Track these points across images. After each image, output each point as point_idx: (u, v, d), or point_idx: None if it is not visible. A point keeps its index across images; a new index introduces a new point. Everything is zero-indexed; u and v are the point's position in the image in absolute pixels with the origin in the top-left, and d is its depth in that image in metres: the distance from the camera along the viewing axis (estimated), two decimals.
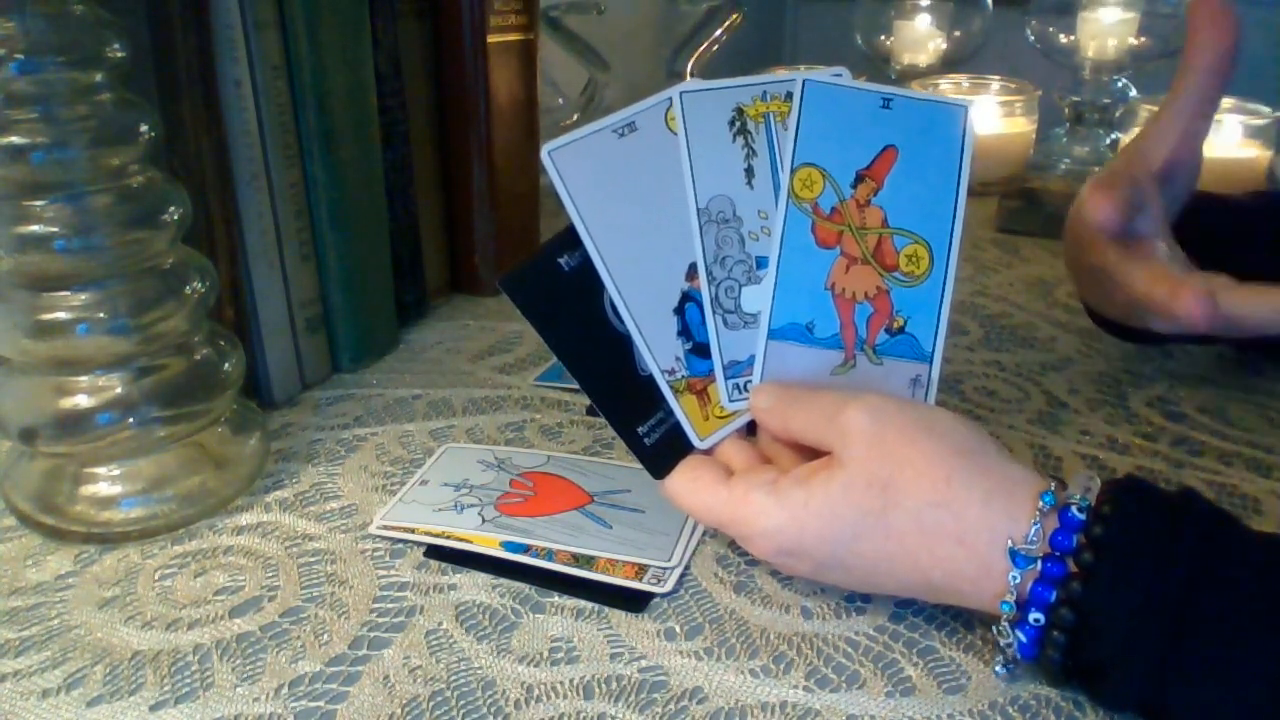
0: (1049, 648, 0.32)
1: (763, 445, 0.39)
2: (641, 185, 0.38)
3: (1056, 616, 0.31)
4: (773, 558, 0.36)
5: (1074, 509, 0.32)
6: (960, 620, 0.37)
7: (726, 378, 0.39)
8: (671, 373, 0.38)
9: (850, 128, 0.39)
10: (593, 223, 0.38)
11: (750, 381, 0.39)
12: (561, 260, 0.38)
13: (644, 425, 0.38)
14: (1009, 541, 0.32)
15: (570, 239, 0.38)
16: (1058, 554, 0.32)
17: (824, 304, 0.39)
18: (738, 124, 0.39)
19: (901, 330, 0.39)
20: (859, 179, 0.39)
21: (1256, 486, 0.46)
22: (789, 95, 0.39)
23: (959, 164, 0.39)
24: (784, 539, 0.35)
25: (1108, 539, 0.31)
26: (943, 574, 0.33)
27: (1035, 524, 0.32)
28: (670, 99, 0.39)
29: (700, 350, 0.39)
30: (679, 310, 0.39)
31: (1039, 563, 0.32)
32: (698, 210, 0.38)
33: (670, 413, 0.39)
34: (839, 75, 0.40)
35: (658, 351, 0.38)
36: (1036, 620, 0.32)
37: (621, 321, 0.38)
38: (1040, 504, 0.32)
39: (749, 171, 0.39)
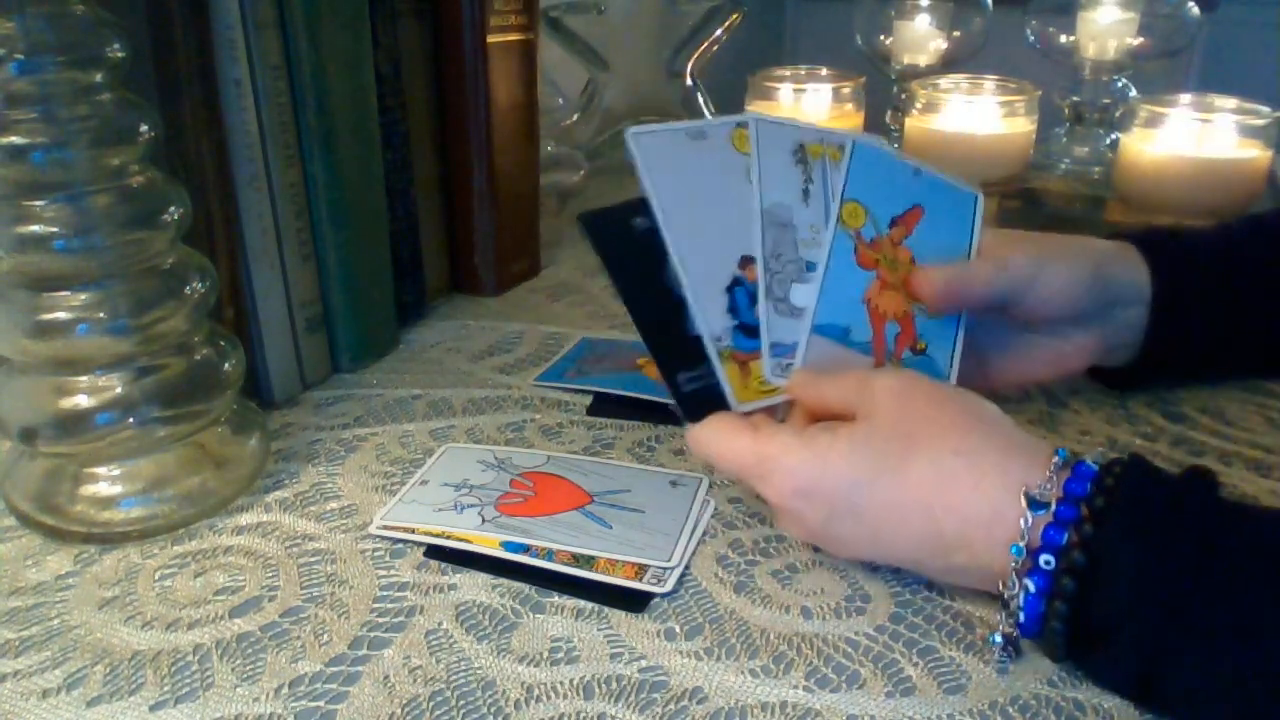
0: (1056, 599, 0.32)
1: (792, 422, 0.41)
2: (707, 181, 0.43)
3: (1067, 560, 0.32)
4: (789, 499, 0.37)
5: (1088, 461, 0.34)
6: (960, 620, 0.37)
7: (772, 355, 0.42)
8: (719, 340, 0.42)
9: (888, 183, 0.46)
10: (664, 199, 0.41)
11: (792, 364, 0.42)
12: (636, 221, 0.41)
13: (685, 374, 0.41)
14: (1024, 487, 0.33)
15: (645, 206, 0.41)
16: (1071, 499, 0.33)
17: (860, 315, 0.44)
18: (799, 155, 0.45)
19: (923, 352, 0.45)
20: (893, 223, 0.45)
21: (1256, 486, 0.46)
22: (841, 147, 0.45)
23: (970, 232, 0.47)
24: (804, 476, 0.36)
25: (1121, 487, 0.32)
26: (956, 521, 0.34)
27: (1050, 473, 0.33)
28: (742, 122, 0.44)
29: (745, 329, 0.42)
30: (729, 290, 0.42)
31: (1053, 505, 0.33)
32: (761, 211, 0.43)
33: (712, 374, 0.41)
34: (882, 142, 0.46)
35: (708, 319, 0.41)
36: (1047, 563, 0.32)
37: (680, 289, 0.41)
38: (1055, 458, 0.34)
39: (805, 192, 0.44)
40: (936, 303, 0.45)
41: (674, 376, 0.41)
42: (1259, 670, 0.29)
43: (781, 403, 0.42)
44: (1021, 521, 0.33)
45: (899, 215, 0.45)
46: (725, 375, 0.41)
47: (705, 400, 0.41)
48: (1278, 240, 0.52)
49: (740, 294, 0.42)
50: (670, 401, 0.41)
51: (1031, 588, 0.32)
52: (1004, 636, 0.34)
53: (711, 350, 0.41)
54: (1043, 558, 0.32)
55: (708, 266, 0.42)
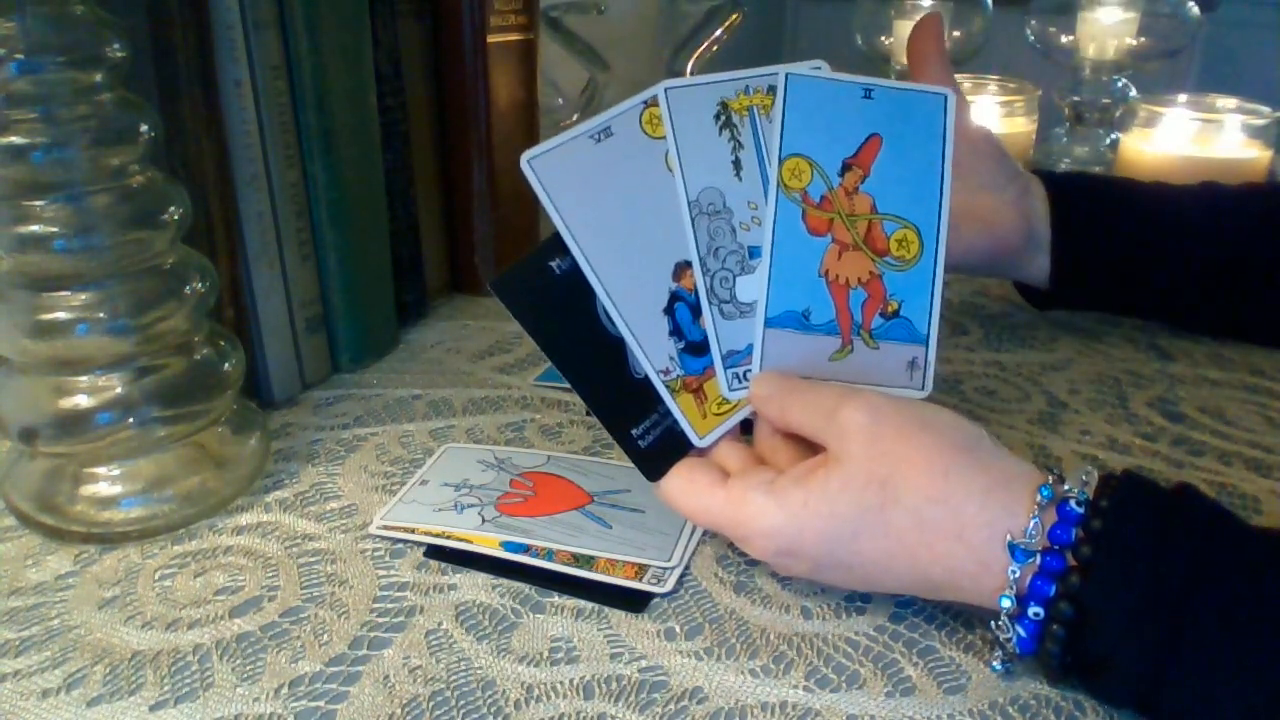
0: (1048, 642, 0.32)
1: (758, 444, 0.39)
2: (622, 188, 0.38)
3: (1055, 611, 0.31)
4: (771, 558, 0.36)
5: (1072, 503, 0.32)
6: (960, 620, 0.37)
7: (726, 367, 0.39)
8: (666, 373, 0.39)
9: (834, 118, 0.39)
10: (577, 228, 0.38)
11: (750, 370, 0.39)
12: (553, 264, 0.38)
13: (638, 427, 0.38)
14: (1008, 536, 0.32)
15: (562, 243, 0.38)
16: (1056, 548, 0.32)
17: (819, 291, 0.39)
18: (722, 118, 0.39)
19: (896, 314, 0.40)
20: (846, 167, 0.40)
21: (1256, 486, 0.46)
22: (771, 89, 0.40)
23: (942, 149, 0.40)
24: (783, 539, 0.35)
25: (1106, 533, 0.31)
26: (942, 571, 0.33)
27: (1034, 518, 0.32)
28: (643, 101, 0.39)
29: (693, 349, 0.39)
30: (669, 310, 0.39)
31: (1038, 557, 0.32)
32: (689, 203, 0.39)
33: (666, 414, 0.39)
34: (819, 68, 0.40)
35: (651, 353, 0.38)
36: (1036, 615, 0.32)
37: (614, 325, 0.38)
38: (1038, 498, 0.32)
39: (736, 164, 0.39)
40: None
41: (626, 435, 0.38)
42: (1253, 698, 0.29)
43: (741, 420, 0.40)
44: (1008, 573, 0.32)
45: (851, 156, 0.40)
46: (681, 412, 0.39)
47: (665, 448, 0.38)
48: (1184, 195, 0.59)
49: (681, 310, 0.39)
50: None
51: (1023, 633, 0.32)
52: (1002, 663, 0.34)
53: (661, 389, 0.38)
54: (1031, 609, 0.32)
55: (640, 294, 0.38)
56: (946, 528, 0.33)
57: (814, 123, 0.39)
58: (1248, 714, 0.29)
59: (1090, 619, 0.31)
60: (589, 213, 0.38)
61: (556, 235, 0.38)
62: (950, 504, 0.33)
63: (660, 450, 0.38)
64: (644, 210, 0.39)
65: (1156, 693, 0.30)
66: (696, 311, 0.39)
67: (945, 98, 0.40)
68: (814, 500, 0.34)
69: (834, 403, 0.36)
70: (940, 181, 0.40)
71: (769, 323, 0.39)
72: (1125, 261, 0.57)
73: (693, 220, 0.39)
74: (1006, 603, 0.32)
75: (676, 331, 0.39)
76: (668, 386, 0.39)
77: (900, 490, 0.33)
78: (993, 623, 0.33)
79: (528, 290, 0.38)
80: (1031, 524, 0.32)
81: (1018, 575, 0.32)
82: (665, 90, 0.39)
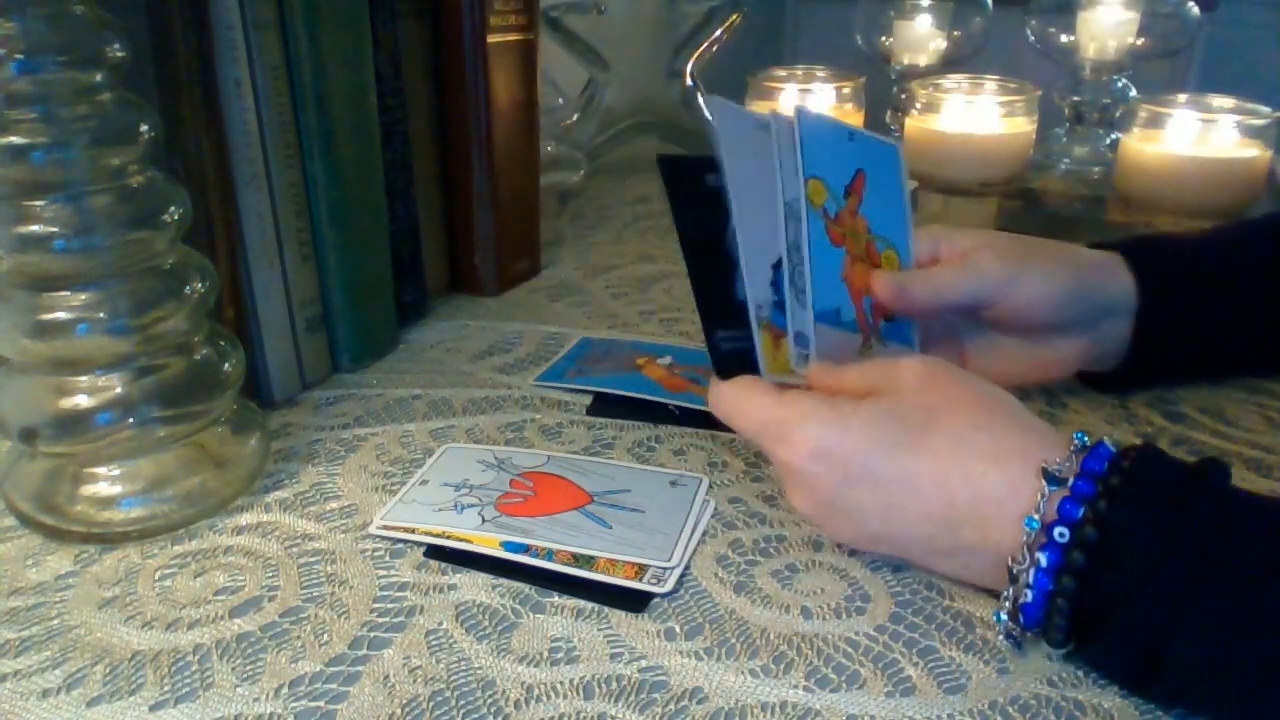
0: (1065, 575, 0.32)
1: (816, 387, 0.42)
2: (762, 164, 0.43)
3: (1080, 535, 0.32)
4: (805, 460, 0.37)
5: (1106, 443, 0.35)
6: (960, 620, 0.37)
7: (795, 345, 0.43)
8: (760, 309, 0.42)
9: (835, 153, 0.45)
10: (731, 165, 0.41)
11: (808, 355, 0.43)
12: (708, 177, 0.41)
13: (725, 332, 0.42)
14: (1043, 463, 0.34)
15: (717, 165, 0.41)
16: (1089, 475, 0.33)
17: (843, 294, 0.45)
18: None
19: (892, 319, 0.47)
20: (846, 193, 0.45)
21: (1256, 486, 0.46)
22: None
23: (900, 189, 0.48)
24: (825, 437, 0.36)
25: (1137, 469, 0.33)
26: (970, 494, 0.34)
27: (1070, 453, 0.34)
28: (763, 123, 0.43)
29: (782, 307, 0.43)
30: (775, 267, 0.42)
31: (1070, 481, 0.33)
32: (784, 204, 0.43)
33: (749, 339, 0.42)
34: (818, 113, 0.46)
35: (755, 287, 0.42)
36: (1061, 535, 0.32)
37: (737, 250, 0.41)
38: (1074, 441, 0.35)
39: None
40: (903, 309, 0.46)
41: (713, 331, 0.42)
42: (1259, 658, 0.29)
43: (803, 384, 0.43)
44: (1038, 496, 0.33)
45: (849, 184, 0.46)
46: (761, 343, 0.42)
47: (738, 361, 0.42)
48: (1260, 243, 0.53)
49: (782, 274, 0.43)
50: (672, 405, 0.41)
51: (1043, 561, 0.33)
52: (1008, 615, 0.34)
53: (753, 316, 0.42)
54: (1057, 530, 0.32)
55: (761, 238, 0.42)
56: (984, 450, 0.35)
57: (822, 156, 0.45)
58: (1258, 670, 0.29)
59: (1112, 547, 0.31)
60: (743, 165, 0.41)
61: (715, 158, 0.41)
62: (992, 431, 0.35)
63: (735, 360, 0.42)
64: (772, 191, 0.43)
65: (1160, 647, 0.31)
66: None
67: (895, 149, 0.48)
68: (865, 409, 0.37)
69: (893, 359, 0.39)
70: (904, 211, 0.48)
71: (816, 317, 0.44)
72: (1208, 339, 0.52)
73: (786, 218, 0.43)
74: (1032, 525, 0.33)
75: (775, 285, 0.42)
76: (758, 320, 0.42)
77: (946, 417, 0.36)
78: (1009, 560, 0.34)
79: (684, 181, 0.41)
80: (1067, 455, 0.34)
81: (1046, 498, 0.33)
82: (774, 120, 0.43)
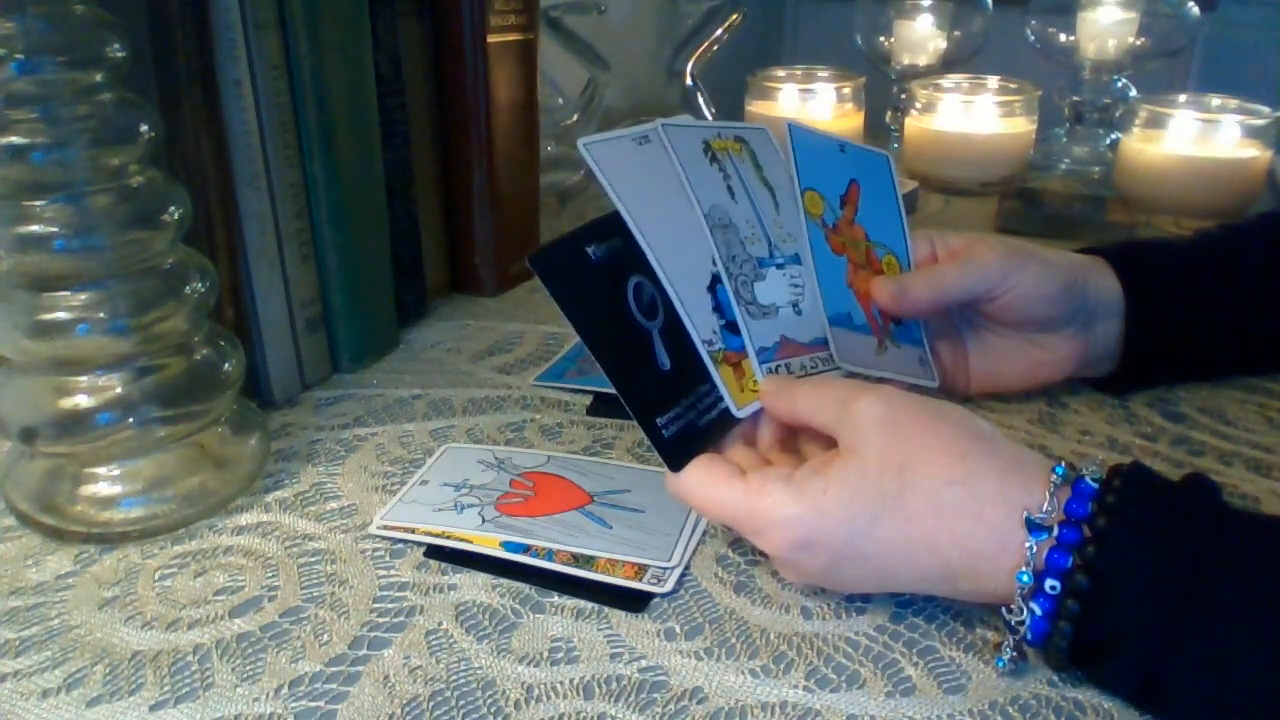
0: (1062, 619, 0.32)
1: (763, 451, 0.40)
2: (659, 185, 0.41)
3: (1072, 583, 0.32)
4: (788, 552, 0.35)
5: (1087, 478, 0.33)
6: (960, 620, 0.37)
7: (759, 362, 0.41)
8: (710, 343, 0.40)
9: (828, 165, 0.46)
10: (629, 202, 0.39)
11: (778, 367, 0.42)
12: (589, 249, 0.39)
13: (663, 417, 0.38)
14: (1025, 512, 0.33)
15: (597, 230, 0.39)
16: (1073, 520, 0.32)
17: (851, 299, 0.46)
18: (709, 154, 0.44)
19: (900, 321, 0.48)
20: (843, 203, 0.46)
21: (1256, 486, 0.46)
22: (737, 138, 0.45)
23: (894, 196, 0.49)
24: (802, 528, 0.35)
25: (1121, 505, 0.32)
26: (961, 554, 0.34)
27: (1050, 494, 0.33)
28: (644, 135, 0.42)
29: (732, 328, 0.41)
30: (711, 289, 0.41)
31: (1055, 529, 0.32)
32: (704, 215, 0.42)
33: (690, 408, 0.39)
34: (808, 126, 0.47)
35: (698, 322, 0.40)
36: (1053, 588, 0.32)
37: (644, 316, 0.39)
38: (1053, 476, 0.33)
39: (730, 189, 0.43)
40: (906, 310, 0.47)
41: (652, 422, 0.38)
42: (1258, 683, 0.29)
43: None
44: (1025, 549, 0.32)
45: (844, 194, 0.47)
46: (722, 381, 0.40)
47: (688, 440, 0.39)
48: (1248, 245, 0.53)
49: (722, 291, 0.41)
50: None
51: (1038, 611, 0.32)
52: (1012, 649, 0.34)
53: (705, 357, 0.40)
54: (1048, 583, 0.32)
55: (687, 267, 0.40)
56: (965, 508, 0.33)
57: (816, 168, 0.45)
58: (1257, 694, 0.29)
59: (1104, 590, 0.31)
60: (639, 195, 0.40)
61: (591, 223, 0.39)
62: (969, 485, 0.34)
63: (683, 442, 0.39)
64: (680, 205, 0.41)
65: (1163, 672, 0.31)
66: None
67: (886, 159, 0.50)
68: (834, 487, 0.34)
69: (846, 395, 0.36)
70: (900, 218, 0.49)
71: (829, 322, 0.44)
72: (1199, 339, 0.52)
73: (710, 231, 0.42)
74: (1025, 579, 0.32)
75: (718, 309, 0.41)
76: (711, 357, 0.40)
77: (919, 475, 0.34)
78: (1004, 609, 0.33)
79: (565, 268, 0.38)
80: (1048, 499, 0.33)
81: (1034, 550, 0.32)
82: (662, 126, 0.42)
